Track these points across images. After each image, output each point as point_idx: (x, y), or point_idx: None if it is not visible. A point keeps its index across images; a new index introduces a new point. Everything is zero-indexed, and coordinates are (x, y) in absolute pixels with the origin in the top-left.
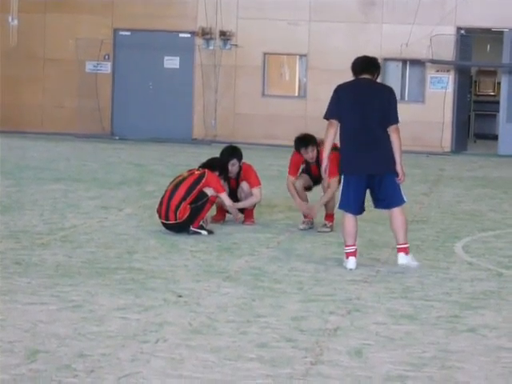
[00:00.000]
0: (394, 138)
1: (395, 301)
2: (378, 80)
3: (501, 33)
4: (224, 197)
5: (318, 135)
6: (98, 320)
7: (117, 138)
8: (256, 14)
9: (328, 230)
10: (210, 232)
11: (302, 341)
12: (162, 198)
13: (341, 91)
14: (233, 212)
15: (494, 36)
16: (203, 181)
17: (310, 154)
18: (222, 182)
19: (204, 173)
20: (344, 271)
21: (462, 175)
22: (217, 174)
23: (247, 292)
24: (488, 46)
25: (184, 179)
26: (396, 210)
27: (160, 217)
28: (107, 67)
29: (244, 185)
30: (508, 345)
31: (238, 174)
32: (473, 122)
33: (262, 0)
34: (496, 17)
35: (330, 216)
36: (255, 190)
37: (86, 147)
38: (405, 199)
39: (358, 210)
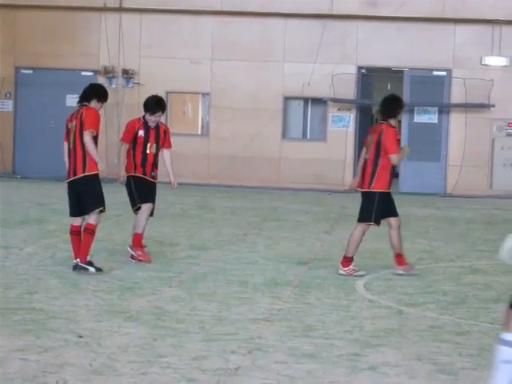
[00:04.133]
0: None
1: (296, 339)
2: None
3: (401, 72)
4: (87, 135)
5: (222, 173)
6: None
7: (18, 176)
8: (158, 52)
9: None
10: (99, 269)
11: (203, 381)
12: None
13: None
14: (92, 153)
15: (394, 75)
16: (85, 125)
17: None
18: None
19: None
20: (245, 310)
21: None
22: (95, 103)
23: (148, 332)
24: (389, 85)
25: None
26: None
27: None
28: (9, 105)
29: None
30: (408, 382)
31: (157, 126)
32: None
33: (165, 38)
34: (396, 56)
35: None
36: (167, 153)
37: None
38: None
39: None
